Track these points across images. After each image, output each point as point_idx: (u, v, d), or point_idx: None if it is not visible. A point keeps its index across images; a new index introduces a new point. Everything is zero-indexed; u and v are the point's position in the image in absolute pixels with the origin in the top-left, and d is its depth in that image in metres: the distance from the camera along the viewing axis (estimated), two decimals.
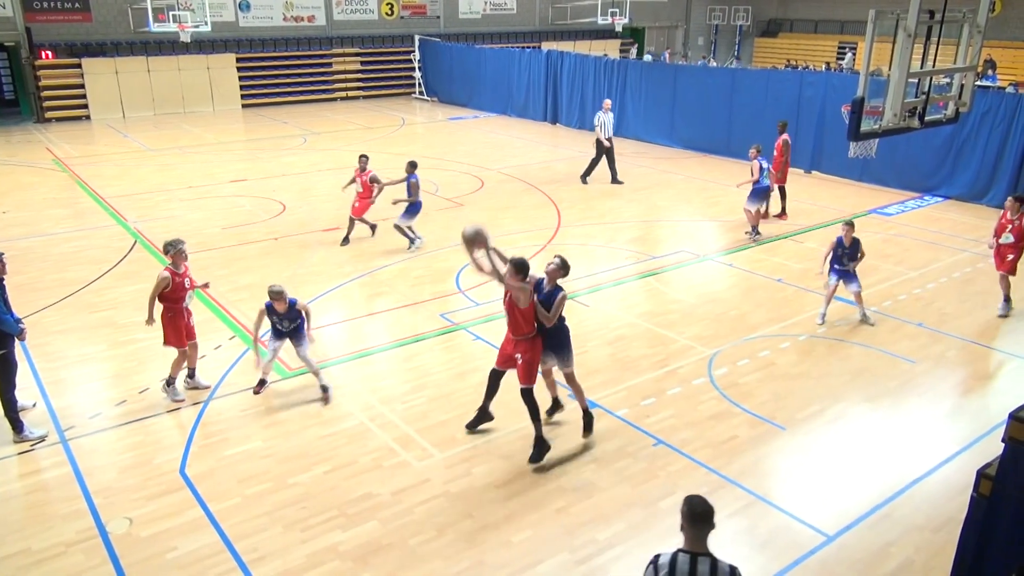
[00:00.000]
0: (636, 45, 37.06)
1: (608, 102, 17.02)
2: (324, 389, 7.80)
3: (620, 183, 16.57)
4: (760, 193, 12.52)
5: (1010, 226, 9.63)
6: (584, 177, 16.76)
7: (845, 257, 9.39)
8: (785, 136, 14.08)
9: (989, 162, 14.94)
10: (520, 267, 6.53)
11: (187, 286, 7.71)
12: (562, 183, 16.86)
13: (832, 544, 5.73)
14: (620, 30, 33.37)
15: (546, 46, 30.77)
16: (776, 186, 13.86)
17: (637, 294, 10.63)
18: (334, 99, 29.70)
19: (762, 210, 12.97)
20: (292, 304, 7.63)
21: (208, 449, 6.91)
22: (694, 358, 8.65)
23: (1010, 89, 18.19)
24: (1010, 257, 9.70)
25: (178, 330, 7.65)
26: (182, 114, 26.43)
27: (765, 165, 12.49)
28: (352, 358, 8.69)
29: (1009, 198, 9.82)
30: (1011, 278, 9.80)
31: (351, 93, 30.12)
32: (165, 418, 7.44)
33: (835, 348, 8.94)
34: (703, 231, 13.67)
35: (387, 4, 30.66)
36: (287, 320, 7.67)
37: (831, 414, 7.54)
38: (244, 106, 27.84)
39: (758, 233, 12.65)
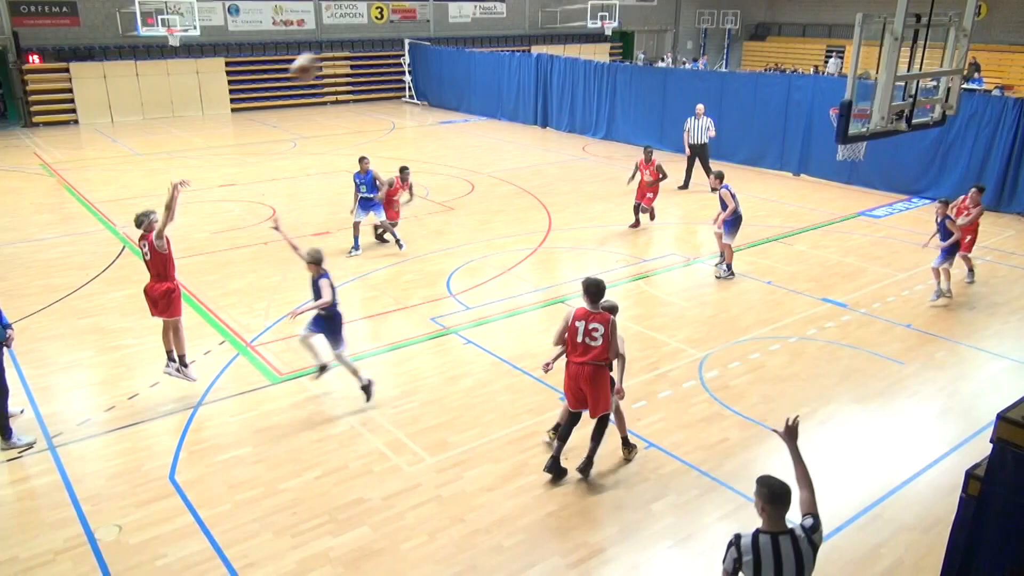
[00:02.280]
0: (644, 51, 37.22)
1: (700, 107, 16.49)
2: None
3: (683, 188, 16.44)
4: (736, 223, 11.06)
5: (966, 212, 10.74)
6: (686, 185, 16.58)
7: (939, 234, 10.20)
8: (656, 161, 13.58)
9: (976, 164, 15.05)
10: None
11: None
12: (552, 186, 16.88)
13: (823, 545, 5.73)
14: (610, 34, 33.49)
15: (536, 50, 30.83)
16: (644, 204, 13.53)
17: (628, 297, 10.64)
18: (324, 103, 29.66)
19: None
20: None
21: (198, 455, 6.87)
22: (685, 361, 8.66)
23: (996, 92, 18.39)
24: (968, 238, 10.78)
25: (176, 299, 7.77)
26: (171, 118, 26.33)
27: (734, 192, 11.03)
28: None
29: (974, 187, 10.97)
30: (969, 255, 11.08)
31: (341, 97, 30.09)
32: (154, 424, 7.39)
33: (825, 350, 8.98)
34: (693, 234, 13.70)
35: (377, 8, 30.66)
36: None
37: (821, 415, 7.57)
38: (233, 110, 27.76)
39: (732, 273, 11.22)
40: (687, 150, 16.50)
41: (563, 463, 6.51)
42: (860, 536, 5.84)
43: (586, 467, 6.51)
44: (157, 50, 26.04)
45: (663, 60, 34.36)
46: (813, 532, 3.82)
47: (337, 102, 29.94)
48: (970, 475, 4.24)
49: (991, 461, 4.08)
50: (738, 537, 3.84)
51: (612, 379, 6.42)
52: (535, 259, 12.16)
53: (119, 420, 7.42)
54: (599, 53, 34.21)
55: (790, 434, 4.17)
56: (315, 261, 7.44)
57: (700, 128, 16.28)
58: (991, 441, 4.06)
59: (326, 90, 29.78)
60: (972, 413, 7.65)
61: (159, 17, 23.23)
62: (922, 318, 9.87)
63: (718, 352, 8.88)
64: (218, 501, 6.23)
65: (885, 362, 8.69)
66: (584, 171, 18.66)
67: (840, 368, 8.55)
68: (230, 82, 27.66)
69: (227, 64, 27.51)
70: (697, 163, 16.45)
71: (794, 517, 3.97)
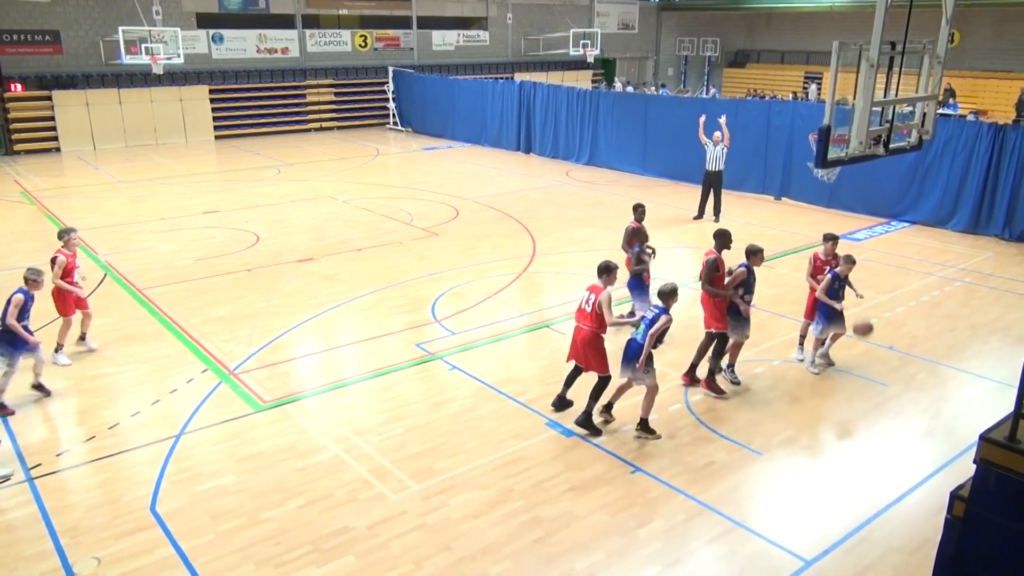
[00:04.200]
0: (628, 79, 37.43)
1: (717, 134, 15.80)
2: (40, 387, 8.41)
3: (715, 219, 15.77)
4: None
5: (827, 268, 9.01)
6: (701, 214, 16.19)
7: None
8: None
9: (953, 188, 15.30)
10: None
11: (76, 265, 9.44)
12: (536, 211, 16.96)
13: (810, 569, 5.73)
14: (592, 61, 33.89)
15: (519, 77, 31.15)
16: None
17: None
18: (308, 130, 29.73)
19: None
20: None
21: (179, 485, 6.77)
22: (670, 384, 8.66)
23: (971, 117, 18.73)
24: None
25: (67, 303, 9.26)
26: (154, 146, 26.28)
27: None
28: (327, 390, 8.60)
29: (833, 238, 9.21)
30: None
31: (325, 124, 30.18)
32: (135, 454, 7.29)
33: (808, 373, 9.01)
34: (676, 257, 13.78)
35: (360, 36, 30.89)
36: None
37: (806, 438, 7.59)
38: (217, 137, 27.75)
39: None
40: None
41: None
42: (848, 559, 5.83)
43: (583, 421, 7.54)
44: (140, 78, 26.03)
45: (625, 85, 33.99)
46: None
47: (321, 129, 30.03)
48: (955, 496, 4.26)
49: (975, 482, 4.10)
50: None
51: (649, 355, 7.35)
52: (520, 284, 12.18)
53: (99, 450, 7.31)
54: (581, 80, 34.59)
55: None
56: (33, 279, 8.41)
57: (715, 155, 15.83)
58: (975, 462, 4.08)
59: (310, 117, 29.87)
60: (955, 434, 7.70)
61: (143, 45, 23.26)
62: (904, 340, 9.95)
63: (703, 375, 8.88)
64: (200, 532, 6.13)
65: (868, 384, 8.74)
66: (568, 196, 18.77)
67: (824, 390, 8.59)
68: (214, 109, 27.68)
69: (211, 92, 27.54)
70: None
71: None
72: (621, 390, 7.73)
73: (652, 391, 7.41)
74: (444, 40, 33.18)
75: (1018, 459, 3.85)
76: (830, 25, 33.49)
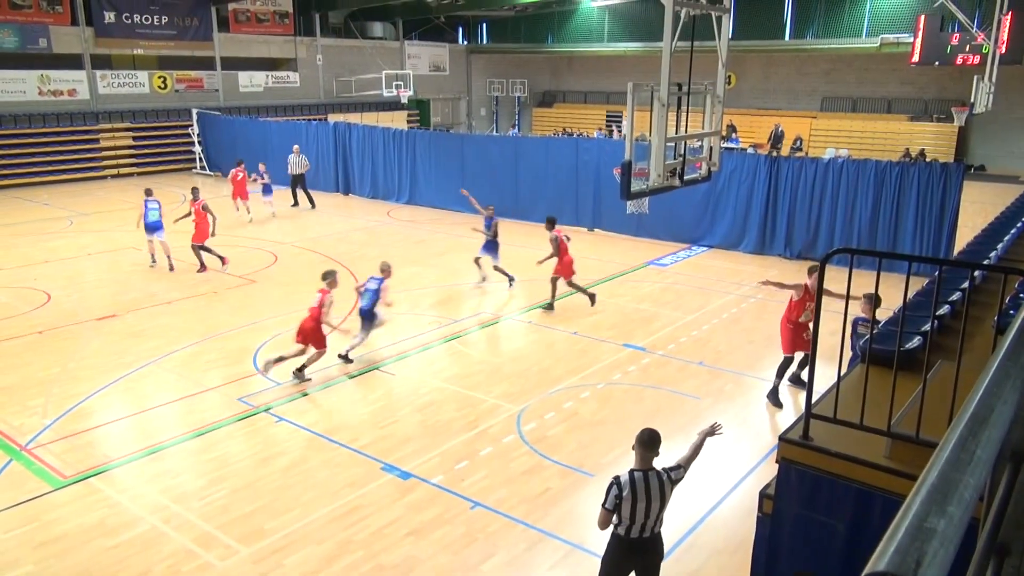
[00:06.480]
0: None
1: (296, 147, 22.49)
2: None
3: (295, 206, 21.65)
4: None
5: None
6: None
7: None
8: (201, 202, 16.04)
9: (741, 213, 16.91)
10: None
11: None
12: (359, 252, 16.74)
13: None
14: (406, 102, 34.20)
15: (333, 118, 30.77)
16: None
17: (443, 358, 10.71)
18: (104, 177, 27.52)
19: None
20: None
21: None
22: (503, 416, 8.81)
23: (750, 150, 20.90)
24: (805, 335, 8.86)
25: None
26: None
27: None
28: (139, 456, 7.91)
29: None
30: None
31: (123, 170, 28.10)
32: None
33: (630, 393, 9.52)
34: (501, 291, 14.11)
35: (159, 77, 29.23)
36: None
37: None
38: None
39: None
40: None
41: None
42: (677, 567, 6.17)
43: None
44: None
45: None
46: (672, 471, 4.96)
47: (119, 175, 27.90)
48: (763, 495, 4.65)
49: (779, 480, 4.50)
50: (617, 478, 4.83)
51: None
52: (346, 327, 11.89)
53: None
54: (397, 120, 34.76)
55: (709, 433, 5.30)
56: None
57: (298, 163, 22.03)
58: (777, 462, 4.48)
59: (105, 163, 27.69)
60: (761, 438, 8.42)
61: None
62: (711, 355, 10.78)
63: (534, 405, 9.12)
64: None
65: (683, 399, 9.36)
66: (390, 236, 18.71)
67: (645, 408, 9.09)
68: None
69: None
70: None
71: None
72: None
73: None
74: (252, 81, 32.15)
75: (811, 455, 4.27)
76: (626, 67, 36.10)
